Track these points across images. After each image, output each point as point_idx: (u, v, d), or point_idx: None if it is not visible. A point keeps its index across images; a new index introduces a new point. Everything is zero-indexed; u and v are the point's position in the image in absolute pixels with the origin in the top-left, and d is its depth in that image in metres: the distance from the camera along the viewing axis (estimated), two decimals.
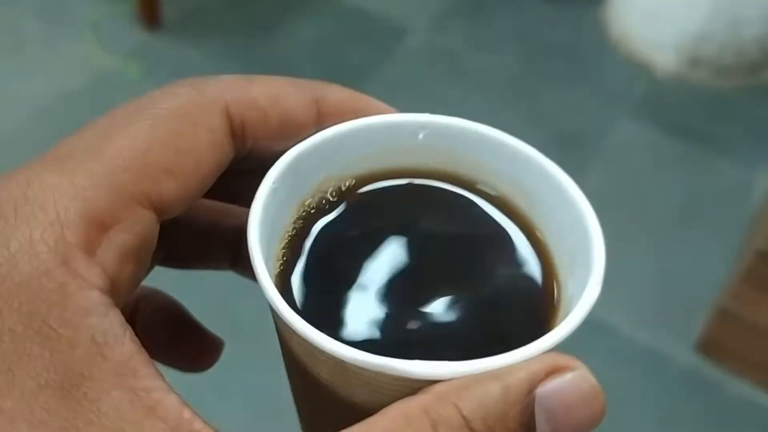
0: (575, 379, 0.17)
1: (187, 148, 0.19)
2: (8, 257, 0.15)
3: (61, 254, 0.16)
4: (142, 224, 0.18)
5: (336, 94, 0.22)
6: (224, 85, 0.20)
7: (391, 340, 0.19)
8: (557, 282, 0.21)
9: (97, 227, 0.17)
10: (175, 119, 0.19)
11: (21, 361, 0.15)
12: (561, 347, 0.18)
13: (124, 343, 0.16)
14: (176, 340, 0.25)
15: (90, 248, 0.16)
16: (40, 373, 0.15)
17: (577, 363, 0.17)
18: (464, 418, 0.16)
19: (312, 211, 0.22)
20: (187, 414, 0.15)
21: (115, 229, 0.17)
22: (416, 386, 0.17)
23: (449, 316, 0.20)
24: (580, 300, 0.19)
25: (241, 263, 0.24)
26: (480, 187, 0.23)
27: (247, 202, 0.23)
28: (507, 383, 0.16)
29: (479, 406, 0.16)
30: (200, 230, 0.23)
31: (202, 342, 0.25)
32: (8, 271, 0.15)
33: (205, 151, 0.19)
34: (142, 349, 0.16)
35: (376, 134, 0.23)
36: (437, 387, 0.17)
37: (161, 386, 0.16)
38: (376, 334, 0.20)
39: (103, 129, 0.18)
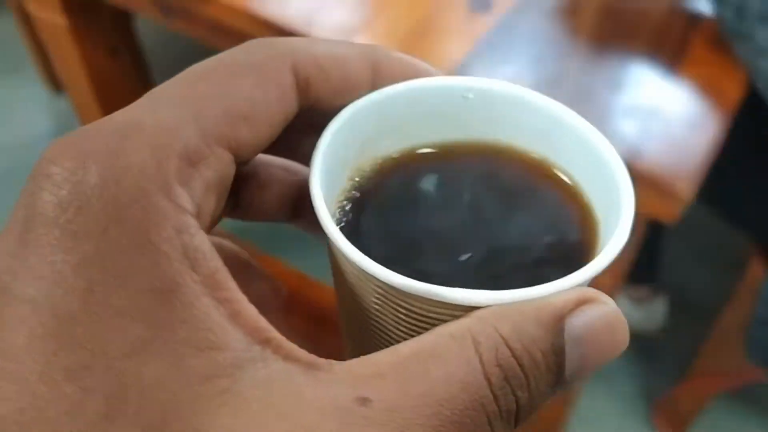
0: (603, 312, 0.19)
1: (260, 99, 0.21)
2: (116, 179, 0.18)
3: (161, 181, 0.18)
4: (222, 163, 0.20)
5: (390, 57, 0.24)
6: (292, 45, 0.23)
7: (436, 276, 0.22)
8: (593, 230, 0.23)
9: (187, 162, 0.19)
10: (250, 73, 0.21)
11: (128, 268, 0.17)
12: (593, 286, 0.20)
13: (211, 260, 0.18)
14: (245, 288, 0.27)
15: (181, 179, 0.19)
16: (143, 279, 0.17)
17: (605, 297, 0.19)
18: (502, 337, 0.18)
19: (367, 166, 0.25)
20: (263, 323, 0.18)
21: (201, 164, 0.19)
22: (457, 314, 0.19)
23: (491, 257, 0.22)
24: (609, 244, 0.21)
25: (300, 217, 0.26)
26: (521, 148, 0.25)
27: (305, 158, 0.25)
28: (540, 310, 0.19)
29: (515, 328, 0.18)
30: (263, 183, 0.26)
31: (267, 288, 0.27)
32: (116, 191, 0.18)
33: (275, 102, 0.21)
34: (225, 267, 0.18)
35: (426, 95, 0.25)
36: (478, 312, 0.19)
37: (241, 299, 0.18)
38: (423, 270, 0.22)
39: (188, 79, 0.21)
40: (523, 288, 0.19)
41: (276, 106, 0.22)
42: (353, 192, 0.24)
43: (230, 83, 0.21)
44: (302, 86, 0.22)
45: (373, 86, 0.24)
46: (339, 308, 0.24)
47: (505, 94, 0.25)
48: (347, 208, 0.24)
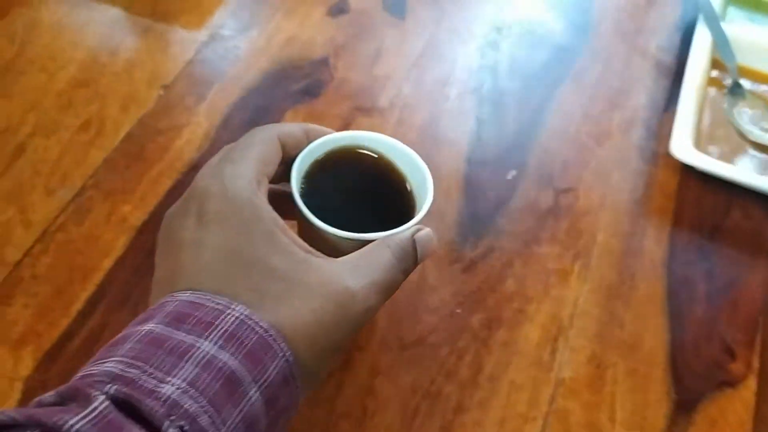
0: (426, 232, 0.48)
1: (271, 155, 0.47)
2: (239, 193, 0.42)
3: (253, 192, 0.43)
4: (267, 184, 0.45)
5: (314, 127, 0.51)
6: (276, 128, 0.48)
7: (352, 226, 0.48)
8: (415, 200, 0.52)
9: (258, 184, 0.44)
10: (265, 143, 0.47)
11: (253, 228, 0.41)
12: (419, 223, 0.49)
13: (282, 223, 0.43)
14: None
15: (260, 191, 0.44)
16: (260, 231, 0.41)
17: (427, 228, 0.48)
18: (396, 244, 0.46)
19: (311, 172, 0.51)
20: (306, 245, 0.44)
21: (261, 185, 0.44)
22: (369, 241, 0.47)
23: (374, 214, 0.50)
24: (422, 210, 0.49)
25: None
26: (380, 159, 0.53)
27: (276, 179, 0.51)
28: (406, 233, 0.47)
29: (398, 240, 0.46)
30: None
31: None
32: (240, 199, 0.42)
33: (276, 156, 0.47)
34: (285, 224, 0.44)
35: (333, 142, 0.52)
36: (380, 238, 0.46)
37: (296, 236, 0.44)
38: (346, 224, 0.48)
39: (242, 147, 0.46)
40: (397, 227, 0.47)
41: (276, 157, 0.47)
42: (307, 184, 0.51)
43: (260, 149, 0.46)
44: (283, 147, 0.48)
45: (308, 142, 0.51)
46: (299, 232, 0.50)
47: (373, 138, 0.53)
48: (305, 192, 0.50)
